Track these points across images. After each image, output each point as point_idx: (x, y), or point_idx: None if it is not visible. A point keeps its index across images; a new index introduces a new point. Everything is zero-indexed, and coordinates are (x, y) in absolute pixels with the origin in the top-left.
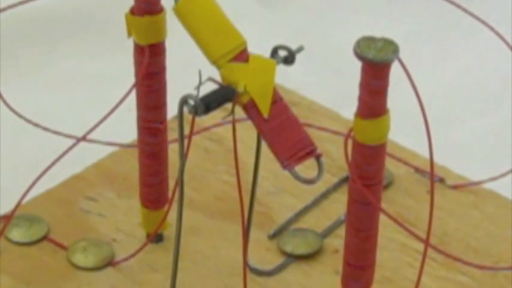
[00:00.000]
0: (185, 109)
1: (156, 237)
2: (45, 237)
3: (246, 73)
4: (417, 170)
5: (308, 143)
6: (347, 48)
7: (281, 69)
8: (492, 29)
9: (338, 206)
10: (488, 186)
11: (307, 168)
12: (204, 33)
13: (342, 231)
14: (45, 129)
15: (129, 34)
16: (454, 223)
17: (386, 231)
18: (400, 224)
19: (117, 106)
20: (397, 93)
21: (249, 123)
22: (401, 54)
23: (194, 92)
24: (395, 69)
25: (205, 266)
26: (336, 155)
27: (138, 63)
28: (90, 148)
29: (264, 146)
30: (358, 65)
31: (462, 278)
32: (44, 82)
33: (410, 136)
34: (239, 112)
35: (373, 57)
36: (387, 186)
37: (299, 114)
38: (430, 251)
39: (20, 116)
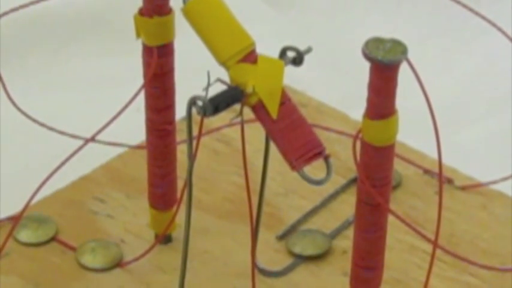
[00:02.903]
0: (194, 110)
1: (164, 238)
2: (53, 238)
3: (254, 74)
4: (426, 171)
5: (316, 144)
6: (355, 49)
7: (289, 70)
8: (501, 30)
9: (346, 207)
10: (496, 187)
11: (315, 169)
12: (212, 34)
13: (350, 232)
14: (51, 129)
15: (138, 35)
16: (462, 224)
17: (394, 232)
18: (409, 225)
19: (125, 107)
20: (406, 94)
21: (258, 124)
22: (410, 55)
23: (203, 93)
24: (403, 70)
25: (213, 267)
26: (344, 156)
27: (146, 64)
28: (99, 149)
29: (272, 147)
30: (366, 66)
31: (470, 279)
32: (53, 83)
33: (419, 137)
34: (248, 113)
35: (381, 58)
36: (396, 187)
37: (307, 115)
38: (438, 252)
39: (28, 117)
